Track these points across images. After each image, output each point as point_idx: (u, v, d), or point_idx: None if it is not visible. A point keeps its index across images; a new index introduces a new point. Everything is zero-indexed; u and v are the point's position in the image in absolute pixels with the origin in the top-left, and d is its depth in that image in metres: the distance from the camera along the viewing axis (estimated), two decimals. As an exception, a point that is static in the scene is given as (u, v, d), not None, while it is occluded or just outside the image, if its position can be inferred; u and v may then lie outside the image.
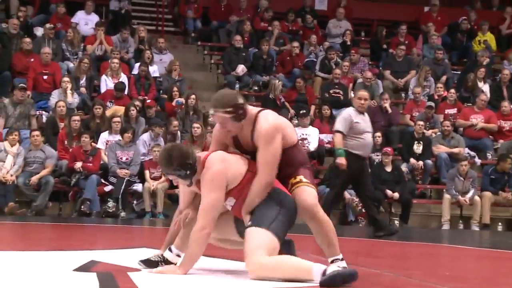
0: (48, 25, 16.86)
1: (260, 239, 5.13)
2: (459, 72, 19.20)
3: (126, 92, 15.93)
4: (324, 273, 4.90)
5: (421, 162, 15.30)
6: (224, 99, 5.47)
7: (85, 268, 5.50)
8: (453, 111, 16.87)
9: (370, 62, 19.08)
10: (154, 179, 13.91)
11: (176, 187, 13.97)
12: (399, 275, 5.91)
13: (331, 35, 19.95)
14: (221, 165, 5.29)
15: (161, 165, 5.47)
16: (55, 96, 15.07)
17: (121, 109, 15.10)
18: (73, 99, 15.09)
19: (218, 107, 5.41)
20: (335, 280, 4.85)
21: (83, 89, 15.81)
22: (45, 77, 15.74)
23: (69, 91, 14.95)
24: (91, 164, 13.67)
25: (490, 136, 16.73)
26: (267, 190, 5.33)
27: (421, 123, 15.67)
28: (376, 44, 19.86)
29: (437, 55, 18.72)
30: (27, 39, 16.24)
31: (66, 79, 15.15)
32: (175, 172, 5.34)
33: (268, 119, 5.56)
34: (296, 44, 18.53)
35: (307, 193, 5.47)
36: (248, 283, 5.02)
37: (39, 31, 17.38)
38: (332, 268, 4.95)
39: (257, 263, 5.06)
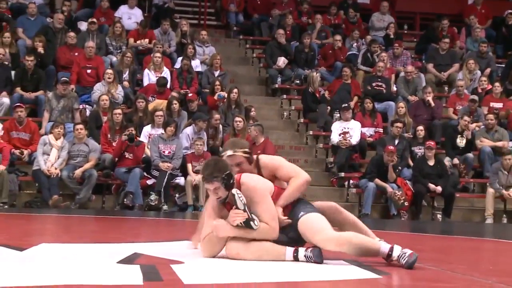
0: (90, 20, 17.00)
1: (320, 221, 5.64)
2: (503, 66, 19.00)
3: (168, 86, 16.00)
4: None
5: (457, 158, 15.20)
6: (242, 142, 6.14)
7: (128, 260, 5.54)
8: (499, 105, 16.70)
9: (413, 56, 18.96)
10: (196, 172, 13.96)
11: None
12: (443, 269, 5.87)
13: (375, 28, 19.86)
14: (264, 181, 5.79)
15: (210, 171, 5.58)
16: (97, 90, 15.19)
17: (163, 103, 15.18)
18: (118, 94, 15.20)
19: (238, 147, 5.90)
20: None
21: (126, 83, 15.91)
22: (88, 71, 15.88)
23: (113, 91, 15.06)
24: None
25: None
26: (304, 186, 5.89)
27: (467, 118, 15.52)
28: (427, 38, 19.63)
29: (481, 48, 18.55)
30: (72, 34, 16.39)
31: (109, 71, 15.27)
32: (222, 180, 5.52)
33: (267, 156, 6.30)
34: (338, 37, 18.47)
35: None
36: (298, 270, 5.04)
37: (83, 26, 17.53)
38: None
39: (332, 237, 5.53)
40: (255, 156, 6.06)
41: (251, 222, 5.58)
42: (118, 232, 9.11)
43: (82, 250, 6.38)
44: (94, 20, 17.05)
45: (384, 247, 5.58)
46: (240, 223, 5.57)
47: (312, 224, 5.63)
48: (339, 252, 5.82)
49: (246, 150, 5.91)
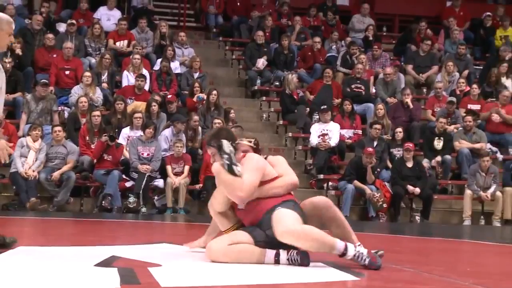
0: (69, 21, 16.94)
1: (288, 216, 5.66)
2: (481, 67, 19.11)
3: (147, 88, 15.97)
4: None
5: (439, 158, 15.25)
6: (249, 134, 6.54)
7: (106, 263, 5.53)
8: (476, 106, 16.78)
9: (391, 58, 19.03)
10: (176, 174, 13.95)
11: (197, 182, 14.07)
12: (420, 270, 5.89)
13: (354, 30, 19.91)
14: (264, 162, 5.94)
15: (209, 138, 5.99)
16: (75, 93, 15.13)
17: (141, 105, 15.15)
18: (98, 98, 15.16)
19: (242, 136, 6.24)
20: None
21: (104, 85, 15.86)
22: (67, 72, 15.82)
23: (91, 94, 15.00)
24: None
25: (512, 131, 16.64)
26: (289, 187, 5.99)
27: (444, 120, 15.60)
28: (404, 40, 19.72)
29: (459, 50, 18.64)
30: (50, 35, 16.32)
31: (87, 73, 15.21)
32: (217, 147, 5.79)
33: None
34: (317, 39, 18.51)
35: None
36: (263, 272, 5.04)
37: (61, 27, 17.46)
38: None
39: (290, 230, 5.54)
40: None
41: (234, 167, 5.69)
42: (96, 235, 9.08)
43: (59, 253, 6.35)
44: (73, 21, 16.98)
45: (340, 245, 5.57)
46: (225, 166, 5.69)
47: (280, 218, 5.65)
48: (317, 254, 5.83)
49: (252, 140, 6.17)
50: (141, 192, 13.59)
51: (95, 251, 6.28)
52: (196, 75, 16.73)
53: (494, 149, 16.02)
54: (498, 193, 14.59)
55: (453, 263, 6.97)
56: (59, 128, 13.87)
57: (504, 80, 17.83)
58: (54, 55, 16.10)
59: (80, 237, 8.71)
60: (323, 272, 5.50)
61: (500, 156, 16.05)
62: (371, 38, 19.22)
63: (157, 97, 15.38)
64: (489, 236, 11.90)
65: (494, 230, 13.70)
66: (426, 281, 5.41)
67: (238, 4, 20.26)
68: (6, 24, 6.10)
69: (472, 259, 7.63)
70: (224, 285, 4.80)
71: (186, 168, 14.05)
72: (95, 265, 5.37)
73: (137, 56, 16.18)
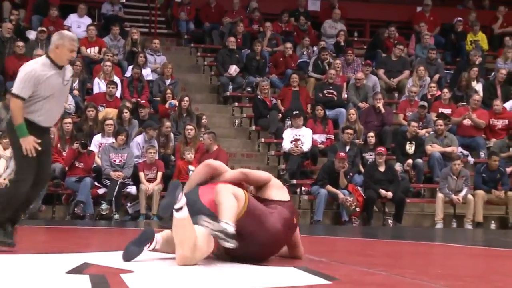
0: (39, 29, 16.85)
1: None
2: (452, 72, 19.24)
3: (118, 95, 15.92)
4: None
5: (410, 161, 15.33)
6: None
7: (77, 270, 5.50)
8: (447, 111, 16.89)
9: (363, 62, 19.11)
10: (149, 181, 13.92)
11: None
12: (392, 273, 5.92)
13: (326, 35, 19.96)
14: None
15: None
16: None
17: (112, 112, 15.10)
18: (70, 105, 15.08)
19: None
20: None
21: (75, 92, 15.78)
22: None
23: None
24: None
25: (483, 135, 16.77)
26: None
27: (415, 124, 15.70)
28: (374, 45, 19.83)
29: (430, 55, 18.75)
30: (20, 43, 16.21)
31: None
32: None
33: None
34: (289, 45, 18.55)
35: None
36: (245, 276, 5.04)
37: (31, 35, 17.36)
38: None
39: None
40: None
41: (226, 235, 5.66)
42: (68, 242, 9.04)
43: (31, 261, 6.31)
44: (44, 29, 16.89)
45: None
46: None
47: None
48: (291, 259, 5.86)
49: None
50: (113, 199, 13.54)
51: (67, 259, 6.25)
52: (168, 81, 16.70)
53: (465, 152, 16.15)
54: (470, 196, 14.68)
55: (424, 265, 7.00)
56: (30, 136, 13.75)
57: (474, 84, 17.97)
58: (24, 63, 15.96)
59: (52, 244, 8.66)
60: (294, 276, 5.51)
61: (471, 160, 16.17)
62: (342, 44, 19.29)
63: (128, 104, 15.33)
64: (461, 239, 11.98)
65: (466, 233, 13.79)
66: (397, 284, 5.44)
67: (213, 10, 20.23)
68: (68, 41, 6.86)
69: (443, 261, 7.67)
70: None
71: (159, 174, 14.03)
72: (66, 272, 5.34)
73: (108, 63, 16.12)
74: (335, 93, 17.06)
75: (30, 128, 6.79)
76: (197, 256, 5.77)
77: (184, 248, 5.75)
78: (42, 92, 6.80)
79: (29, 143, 6.71)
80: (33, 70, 6.81)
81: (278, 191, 6.41)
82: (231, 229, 5.63)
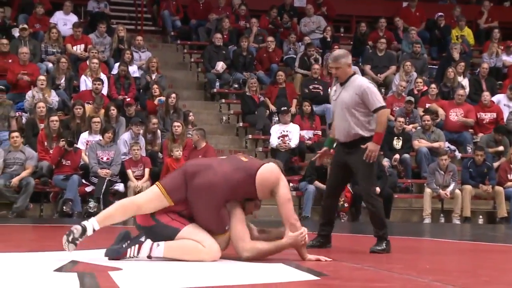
0: (21, 26, 16.75)
1: None
2: (437, 67, 19.28)
3: (105, 93, 15.87)
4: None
5: (397, 156, 15.35)
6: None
7: (65, 268, 5.49)
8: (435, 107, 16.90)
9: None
10: (136, 178, 13.90)
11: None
12: (381, 269, 5.93)
13: (306, 32, 19.93)
14: None
15: None
16: (29, 97, 15.00)
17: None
18: (52, 100, 15.03)
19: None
20: None
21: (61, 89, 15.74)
22: (24, 77, 15.63)
23: (46, 95, 14.85)
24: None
25: (470, 130, 16.81)
26: None
27: (401, 119, 15.72)
28: (358, 41, 19.86)
29: (415, 49, 18.76)
30: (4, 41, 16.15)
31: (42, 77, 15.05)
32: None
33: None
34: (271, 39, 18.54)
35: None
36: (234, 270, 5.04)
37: (17, 32, 17.29)
38: None
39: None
40: None
41: None
42: (56, 240, 8.95)
43: (18, 259, 6.29)
44: (25, 26, 16.78)
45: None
46: None
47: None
48: (279, 255, 5.86)
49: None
50: (101, 196, 13.51)
51: (55, 256, 6.23)
52: (153, 76, 16.66)
53: (453, 147, 16.19)
54: (457, 191, 14.73)
55: (413, 261, 7.02)
56: (16, 134, 13.74)
57: (460, 79, 18.00)
58: (10, 61, 15.95)
59: (39, 243, 8.64)
60: (283, 272, 5.52)
61: (458, 155, 16.22)
62: (329, 39, 19.29)
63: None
64: (449, 234, 12.00)
65: (454, 228, 13.84)
66: (385, 279, 5.45)
67: (201, 7, 20.17)
68: None
69: (432, 256, 7.69)
70: (184, 287, 4.79)
71: (147, 171, 14.00)
72: (54, 270, 5.33)
73: (95, 60, 16.06)
74: (320, 87, 17.06)
75: None
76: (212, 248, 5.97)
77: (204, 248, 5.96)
78: None
79: None
80: None
81: None
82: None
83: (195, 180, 5.98)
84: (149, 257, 5.96)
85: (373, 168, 7.46)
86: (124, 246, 6.06)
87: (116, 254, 6.01)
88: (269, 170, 6.17)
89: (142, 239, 6.02)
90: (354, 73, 7.64)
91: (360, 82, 7.50)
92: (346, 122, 7.46)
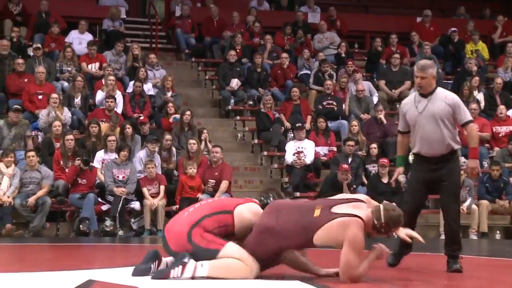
0: (35, 45, 16.82)
1: None
2: (452, 82, 19.23)
3: (119, 111, 15.90)
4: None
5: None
6: None
7: (82, 287, 5.49)
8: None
9: (364, 74, 19.10)
10: (151, 195, 13.90)
11: (173, 203, 14.03)
12: (398, 286, 5.91)
13: (319, 48, 19.94)
14: None
15: None
16: (42, 116, 15.05)
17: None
18: (65, 116, 15.05)
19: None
20: None
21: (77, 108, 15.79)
22: (40, 97, 15.70)
23: (59, 113, 14.87)
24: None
25: (486, 145, 16.75)
26: None
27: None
28: (373, 56, 19.86)
29: (429, 63, 18.69)
30: (20, 60, 16.18)
31: (54, 95, 15.05)
32: None
33: None
34: (285, 55, 18.55)
35: None
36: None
37: (31, 52, 17.37)
38: None
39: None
40: None
41: None
42: (72, 259, 9.02)
43: (36, 279, 6.30)
44: (39, 45, 16.82)
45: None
46: None
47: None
48: (282, 268, 5.88)
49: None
50: (117, 215, 13.53)
51: (72, 276, 6.24)
52: (169, 94, 16.70)
53: (469, 162, 16.07)
54: (474, 206, 14.66)
55: (429, 277, 6.98)
56: (32, 153, 13.77)
57: (476, 93, 17.96)
58: (26, 80, 16.01)
59: (56, 262, 8.65)
60: (288, 285, 5.50)
61: (474, 170, 16.10)
62: (343, 55, 19.29)
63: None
64: (466, 249, 11.90)
65: (471, 243, 13.75)
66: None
67: (215, 25, 20.24)
68: None
69: (449, 273, 7.64)
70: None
71: (162, 188, 13.99)
72: (71, 290, 5.34)
73: (112, 77, 16.10)
74: (334, 103, 17.05)
75: None
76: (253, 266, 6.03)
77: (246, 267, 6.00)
78: None
79: None
80: None
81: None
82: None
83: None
84: (193, 277, 5.92)
85: (460, 186, 7.37)
86: (152, 266, 6.03)
87: (160, 275, 5.98)
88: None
89: (186, 259, 5.95)
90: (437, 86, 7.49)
91: (450, 94, 7.45)
92: (440, 134, 7.35)
